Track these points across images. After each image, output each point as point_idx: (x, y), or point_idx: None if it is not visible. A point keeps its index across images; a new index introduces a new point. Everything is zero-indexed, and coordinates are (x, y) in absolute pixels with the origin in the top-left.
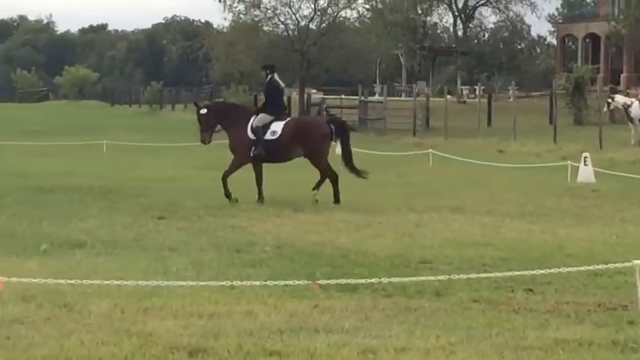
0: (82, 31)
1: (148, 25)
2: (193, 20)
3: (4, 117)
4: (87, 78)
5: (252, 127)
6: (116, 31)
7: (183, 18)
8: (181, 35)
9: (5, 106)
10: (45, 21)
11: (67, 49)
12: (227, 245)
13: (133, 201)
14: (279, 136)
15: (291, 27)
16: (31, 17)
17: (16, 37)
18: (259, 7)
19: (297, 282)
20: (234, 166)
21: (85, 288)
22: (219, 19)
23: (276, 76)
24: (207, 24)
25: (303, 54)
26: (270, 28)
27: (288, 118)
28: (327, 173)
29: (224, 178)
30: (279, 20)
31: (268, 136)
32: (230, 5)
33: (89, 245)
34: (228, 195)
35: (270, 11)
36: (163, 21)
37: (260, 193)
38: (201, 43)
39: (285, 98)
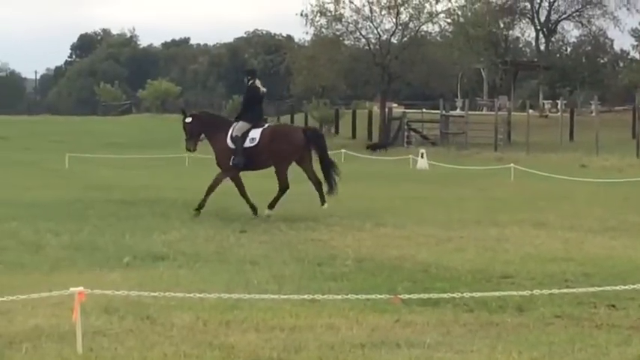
0: (165, 44)
1: (230, 39)
2: (275, 34)
3: (88, 130)
4: (169, 91)
5: (231, 136)
6: (198, 44)
7: (264, 32)
8: (263, 49)
9: (88, 120)
10: (128, 35)
11: (149, 63)
12: (308, 259)
13: (215, 214)
14: (257, 143)
15: (373, 41)
16: (115, 31)
17: (99, 51)
18: (341, 21)
19: (378, 296)
20: (236, 179)
21: (168, 300)
22: (301, 33)
23: (257, 82)
24: (289, 38)
25: (385, 68)
26: (352, 42)
27: (266, 125)
28: (283, 181)
29: (243, 195)
30: (361, 34)
31: (247, 143)
32: (312, 19)
33: (171, 258)
34: (253, 207)
35: (351, 25)
36: (245, 35)
37: (249, 203)
38: (283, 57)
39: (264, 104)
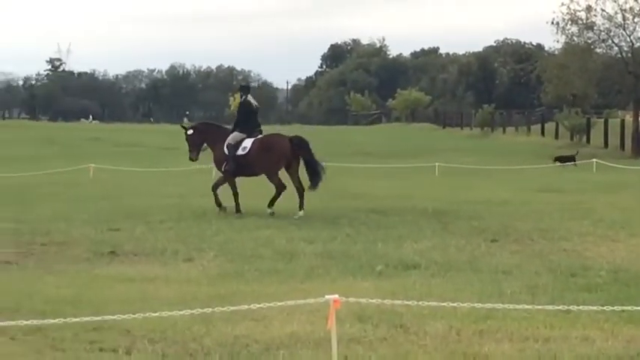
0: (414, 54)
1: (479, 48)
2: (525, 43)
3: (338, 139)
4: (419, 101)
5: (227, 144)
6: (447, 54)
7: (514, 41)
8: (512, 58)
9: (339, 129)
10: (378, 44)
11: (399, 73)
12: (561, 269)
13: (466, 223)
14: (247, 152)
15: (625, 49)
16: (364, 41)
17: (349, 61)
18: (592, 29)
19: (634, 307)
20: (222, 180)
21: (421, 309)
22: (551, 41)
23: (249, 97)
24: (539, 46)
25: (638, 76)
26: (604, 50)
27: (260, 135)
28: (278, 184)
29: (214, 189)
30: (613, 42)
31: (239, 151)
32: (563, 27)
33: (423, 267)
34: (219, 204)
35: (603, 33)
36: (494, 44)
37: (237, 205)
38: (534, 65)
39: (258, 117)
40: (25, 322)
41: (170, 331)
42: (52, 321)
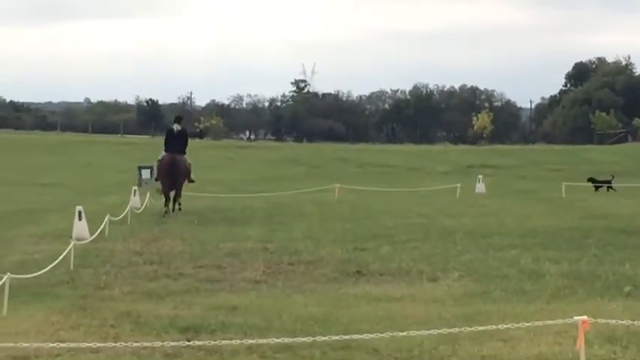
0: None
1: None
2: None
3: (583, 159)
4: None
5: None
6: None
7: None
8: None
9: (584, 148)
10: (623, 62)
11: None
12: None
13: None
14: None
15: None
16: (610, 59)
17: (594, 79)
18: None
19: None
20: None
21: None
22: None
23: (174, 126)
24: None
25: None
26: None
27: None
28: (164, 194)
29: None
30: None
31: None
32: None
33: None
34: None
35: None
36: None
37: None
38: None
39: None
40: (275, 340)
41: (417, 351)
42: (302, 339)
